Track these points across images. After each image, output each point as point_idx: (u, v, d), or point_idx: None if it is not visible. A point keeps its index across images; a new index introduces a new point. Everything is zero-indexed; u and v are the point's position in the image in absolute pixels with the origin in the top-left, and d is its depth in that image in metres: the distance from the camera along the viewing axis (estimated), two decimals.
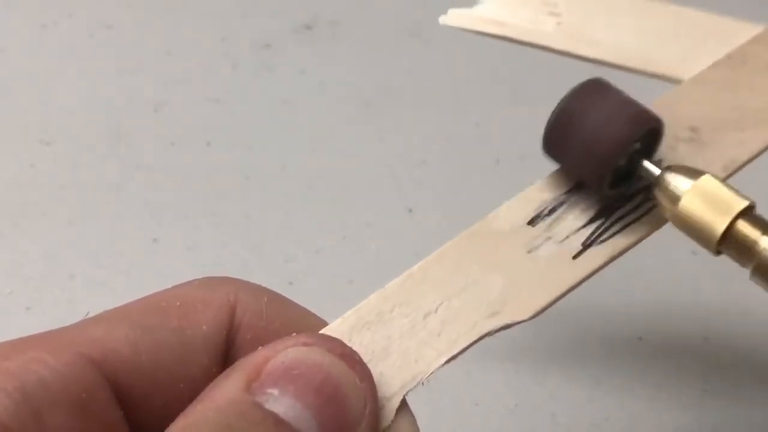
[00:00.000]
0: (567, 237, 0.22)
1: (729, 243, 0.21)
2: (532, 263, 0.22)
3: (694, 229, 0.21)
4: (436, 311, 0.21)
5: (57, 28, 0.52)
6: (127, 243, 0.41)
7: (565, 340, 0.38)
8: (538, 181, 0.24)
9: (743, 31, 0.27)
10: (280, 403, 0.17)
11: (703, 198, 0.21)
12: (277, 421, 0.17)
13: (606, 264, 0.22)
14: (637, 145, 0.22)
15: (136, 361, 0.19)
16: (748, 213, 0.21)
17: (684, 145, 0.24)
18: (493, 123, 0.47)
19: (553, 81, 0.48)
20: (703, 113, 0.25)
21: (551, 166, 0.24)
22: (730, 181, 0.24)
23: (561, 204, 0.23)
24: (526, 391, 0.36)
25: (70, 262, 0.40)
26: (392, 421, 0.19)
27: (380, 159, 0.45)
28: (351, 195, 0.43)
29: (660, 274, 0.40)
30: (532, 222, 0.23)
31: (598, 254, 0.22)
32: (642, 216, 0.23)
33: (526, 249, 0.22)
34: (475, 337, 0.21)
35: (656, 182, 0.22)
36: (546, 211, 0.23)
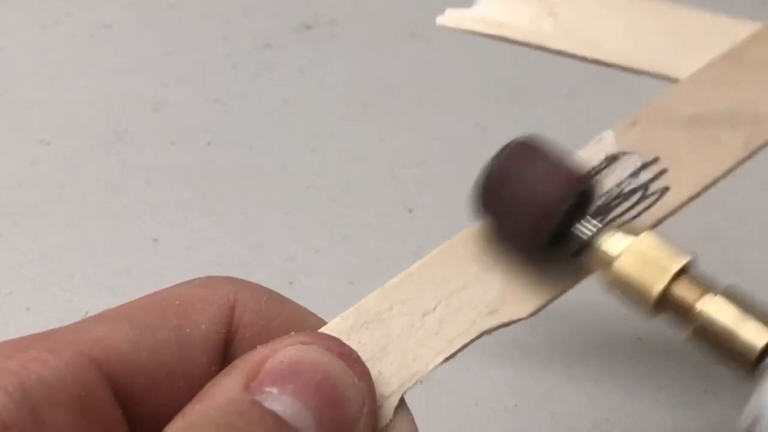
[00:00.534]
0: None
1: (666, 306, 0.20)
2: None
3: (629, 293, 0.20)
4: (434, 310, 0.21)
5: (57, 28, 0.52)
6: (127, 243, 0.41)
7: (565, 340, 0.38)
8: None
9: (740, 30, 0.27)
10: (279, 401, 0.17)
11: (638, 259, 0.20)
12: (276, 419, 0.17)
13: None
14: (569, 205, 0.21)
15: (135, 360, 0.19)
16: (686, 272, 0.20)
17: (678, 147, 0.24)
18: (493, 123, 0.47)
19: (553, 81, 0.48)
20: (700, 111, 0.25)
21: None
22: (730, 179, 0.24)
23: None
24: (526, 391, 0.36)
25: (70, 262, 0.40)
26: (390, 420, 0.19)
27: (380, 159, 0.45)
28: (351, 195, 0.43)
29: None
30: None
31: None
32: (639, 215, 0.23)
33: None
34: (473, 336, 0.21)
35: (588, 245, 0.21)
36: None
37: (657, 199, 0.23)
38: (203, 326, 0.20)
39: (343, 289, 0.39)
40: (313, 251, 0.41)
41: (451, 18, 0.29)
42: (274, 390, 0.17)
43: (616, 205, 0.23)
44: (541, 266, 0.22)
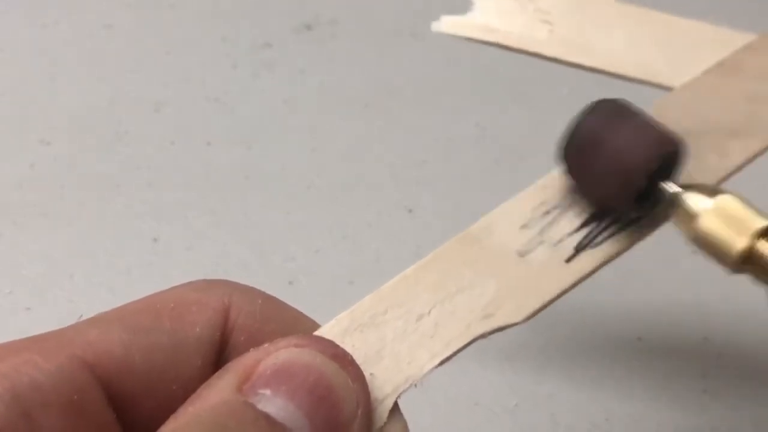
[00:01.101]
0: (560, 241, 0.22)
1: (749, 263, 0.21)
2: (525, 267, 0.22)
3: (713, 249, 0.21)
4: (429, 313, 0.21)
5: (57, 28, 0.52)
6: (127, 243, 0.41)
7: (565, 340, 0.38)
8: (531, 185, 0.24)
9: (735, 40, 0.27)
10: (272, 403, 0.17)
11: (722, 217, 0.21)
12: (269, 420, 0.17)
13: (599, 267, 0.22)
14: (657, 166, 0.22)
15: (129, 363, 0.19)
16: None
17: None
18: (493, 123, 0.47)
19: (553, 81, 0.48)
20: (694, 120, 0.25)
21: (550, 167, 0.24)
22: (727, 186, 0.24)
23: (554, 208, 0.23)
24: (526, 391, 0.36)
25: (70, 262, 0.40)
26: (385, 423, 0.19)
27: (380, 159, 0.45)
28: (351, 195, 0.43)
29: (660, 274, 0.40)
30: (525, 226, 0.23)
31: (591, 258, 0.22)
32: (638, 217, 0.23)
33: (519, 253, 0.22)
34: (468, 339, 0.21)
35: (674, 202, 0.22)
36: (539, 215, 0.23)
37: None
38: (197, 329, 0.20)
39: (343, 289, 0.39)
40: (313, 251, 0.41)
41: (446, 25, 0.29)
42: (267, 392, 0.17)
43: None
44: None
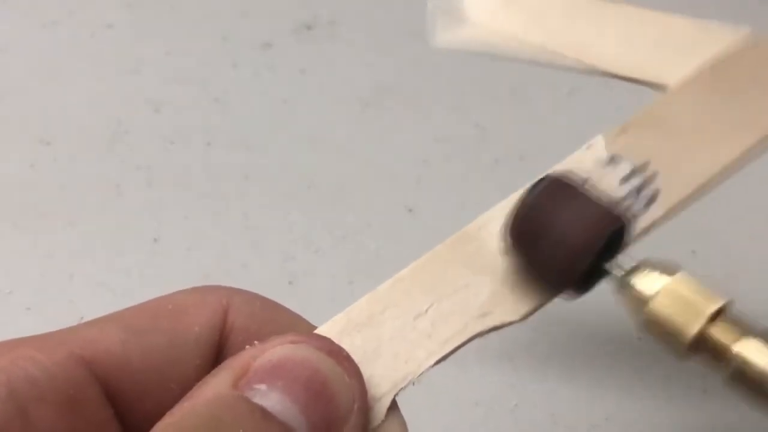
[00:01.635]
0: None
1: (702, 348, 0.20)
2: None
3: (663, 334, 0.20)
4: (426, 313, 0.21)
5: (57, 28, 0.52)
6: (127, 243, 0.41)
7: (565, 339, 0.38)
8: (527, 185, 0.24)
9: (728, 37, 0.27)
10: (267, 397, 0.17)
11: (674, 300, 0.20)
12: (264, 413, 0.17)
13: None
14: (603, 246, 0.21)
15: (127, 362, 0.19)
16: (722, 314, 0.20)
17: (668, 153, 0.24)
18: (493, 123, 0.47)
19: (553, 81, 0.48)
20: (690, 117, 0.25)
21: (548, 166, 0.23)
22: (721, 188, 0.24)
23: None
24: (526, 391, 0.36)
25: (70, 262, 0.40)
26: (382, 421, 0.19)
27: (380, 159, 0.45)
28: (351, 195, 0.43)
29: None
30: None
31: None
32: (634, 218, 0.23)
33: None
34: (465, 338, 0.21)
35: (621, 284, 0.21)
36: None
37: (649, 203, 0.23)
38: (196, 329, 0.20)
39: (343, 289, 0.39)
40: (313, 251, 0.41)
41: (444, 41, 0.29)
42: (263, 387, 0.17)
43: None
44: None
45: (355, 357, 0.19)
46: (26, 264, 0.40)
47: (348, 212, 0.42)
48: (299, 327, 0.21)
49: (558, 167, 0.24)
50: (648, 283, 0.21)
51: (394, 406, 0.20)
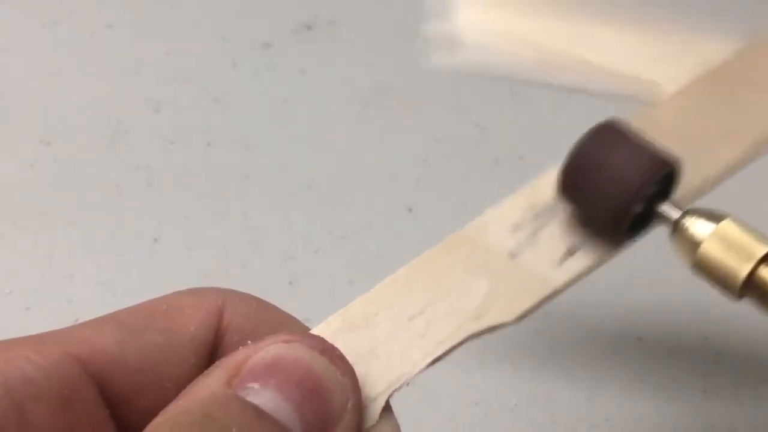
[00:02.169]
0: (551, 242, 0.23)
1: (751, 289, 0.21)
2: (517, 267, 0.22)
3: (715, 275, 0.21)
4: (421, 314, 0.21)
5: (57, 28, 0.52)
6: (127, 243, 0.41)
7: (565, 340, 0.38)
8: (523, 186, 0.24)
9: (720, 46, 0.27)
10: (260, 395, 0.17)
11: (724, 243, 0.21)
12: (257, 411, 0.17)
13: (590, 270, 0.22)
14: (654, 188, 0.22)
15: (122, 361, 0.19)
16: None
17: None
18: (493, 123, 0.47)
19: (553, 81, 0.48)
20: (684, 128, 0.25)
21: (548, 166, 0.24)
22: (718, 192, 0.24)
23: (545, 210, 0.23)
24: (526, 391, 0.36)
25: (70, 262, 0.40)
26: (376, 422, 0.19)
27: (380, 159, 0.45)
28: (351, 195, 0.43)
29: (660, 274, 0.40)
30: (517, 227, 0.23)
31: (582, 260, 0.22)
32: None
33: (510, 254, 0.22)
34: (459, 339, 0.21)
35: (675, 227, 0.22)
36: (530, 217, 0.23)
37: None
38: (191, 328, 0.20)
39: (343, 289, 0.39)
40: (313, 251, 0.41)
41: (441, 62, 0.29)
42: (256, 385, 0.17)
43: None
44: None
45: (350, 357, 0.19)
46: (26, 264, 0.40)
47: (348, 212, 0.42)
48: (294, 328, 0.21)
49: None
50: (699, 226, 0.21)
51: (387, 408, 0.20)
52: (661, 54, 0.28)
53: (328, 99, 0.48)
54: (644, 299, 0.39)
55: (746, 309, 0.39)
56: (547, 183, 0.23)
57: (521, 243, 0.22)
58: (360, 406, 0.19)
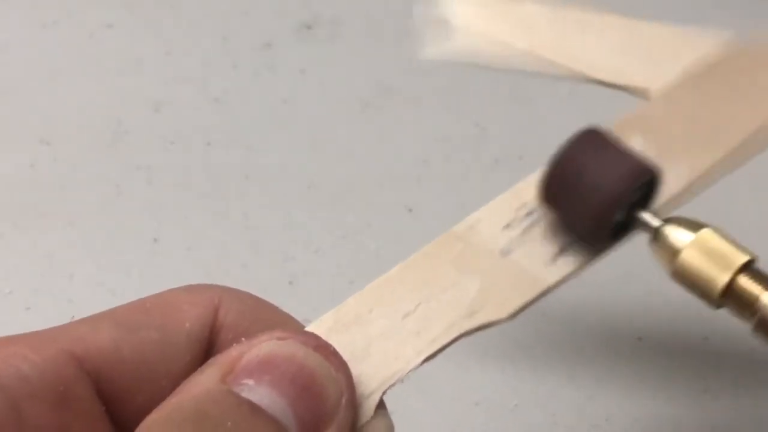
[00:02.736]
0: (543, 240, 0.23)
1: (730, 298, 0.21)
2: (509, 265, 0.22)
3: (693, 284, 0.22)
4: (414, 311, 0.21)
5: (57, 28, 0.52)
6: (127, 243, 0.41)
7: (565, 340, 0.38)
8: (516, 184, 0.24)
9: (710, 42, 0.27)
10: (255, 392, 0.17)
11: (704, 252, 0.21)
12: (252, 407, 0.17)
13: (582, 268, 0.23)
14: (635, 196, 0.22)
15: (118, 357, 0.19)
16: (749, 268, 0.21)
17: (653, 157, 0.24)
18: (493, 123, 0.47)
19: (553, 82, 0.48)
20: (672, 125, 0.25)
21: (543, 167, 0.24)
22: (710, 193, 0.24)
23: (537, 208, 0.23)
24: (526, 391, 0.36)
25: (70, 262, 0.40)
26: (371, 419, 0.20)
27: (380, 159, 0.45)
28: (351, 195, 0.43)
29: (660, 274, 0.40)
30: (508, 226, 0.23)
31: (574, 258, 0.22)
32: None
33: (502, 252, 0.22)
34: (453, 336, 0.21)
35: (655, 235, 0.22)
36: (522, 215, 0.23)
37: (652, 190, 0.23)
38: (187, 325, 0.20)
39: (343, 289, 0.39)
40: (313, 251, 0.41)
41: (432, 53, 0.29)
42: (250, 382, 0.17)
43: None
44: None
45: (344, 355, 0.19)
46: (26, 264, 0.40)
47: (348, 212, 0.42)
48: (289, 325, 0.21)
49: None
50: (679, 234, 0.22)
51: (381, 406, 0.20)
52: (649, 55, 0.28)
53: (329, 99, 0.48)
54: (644, 299, 0.39)
55: None
56: (536, 182, 0.23)
57: (513, 240, 0.23)
58: (354, 402, 0.19)
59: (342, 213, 0.42)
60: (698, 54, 0.27)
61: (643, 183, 0.22)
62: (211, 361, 0.19)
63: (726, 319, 0.38)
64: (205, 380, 0.18)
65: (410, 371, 0.20)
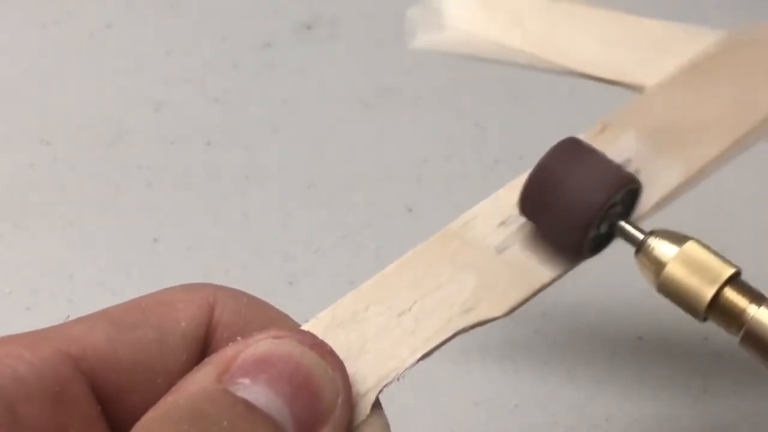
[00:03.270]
0: (537, 238, 0.23)
1: (716, 311, 0.21)
2: (504, 263, 0.22)
3: (679, 297, 0.21)
4: (410, 309, 0.21)
5: (57, 28, 0.52)
6: (127, 243, 0.41)
7: (566, 340, 0.38)
8: (510, 183, 0.24)
9: (703, 38, 0.27)
10: (251, 390, 0.17)
11: (689, 265, 0.21)
12: (248, 406, 0.17)
13: (577, 264, 0.22)
14: (617, 208, 0.22)
15: (114, 357, 0.19)
16: (734, 280, 0.21)
17: (648, 151, 0.24)
18: (493, 123, 0.47)
19: (553, 81, 0.48)
20: (666, 119, 0.25)
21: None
22: (699, 188, 0.24)
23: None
24: (526, 391, 0.36)
25: (70, 262, 0.40)
26: (367, 417, 0.20)
27: (380, 159, 0.45)
28: (351, 195, 0.43)
29: None
30: (503, 223, 0.23)
31: (570, 254, 0.22)
32: (619, 215, 0.23)
33: (497, 249, 0.22)
34: (449, 334, 0.21)
35: (639, 248, 0.22)
36: (517, 213, 0.23)
37: (634, 200, 0.23)
38: (183, 324, 0.20)
39: (343, 289, 0.39)
40: (313, 251, 0.41)
41: (422, 42, 0.29)
42: (246, 381, 0.17)
43: None
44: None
45: (340, 353, 0.19)
46: (26, 264, 0.40)
47: (348, 212, 0.42)
48: (285, 324, 0.21)
49: None
50: (665, 247, 0.21)
51: (377, 404, 0.20)
52: (643, 51, 0.28)
53: (329, 99, 0.48)
54: (644, 299, 0.39)
55: None
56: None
57: (508, 238, 0.23)
58: (350, 400, 0.19)
59: (342, 213, 0.42)
60: (693, 50, 0.27)
61: (623, 193, 0.22)
62: (207, 360, 0.19)
63: None
64: (201, 379, 0.18)
65: (406, 369, 0.20)
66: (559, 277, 0.22)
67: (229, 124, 0.47)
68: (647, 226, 0.23)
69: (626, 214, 0.22)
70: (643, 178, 0.23)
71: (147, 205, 0.43)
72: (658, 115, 0.25)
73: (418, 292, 0.21)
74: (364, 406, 0.20)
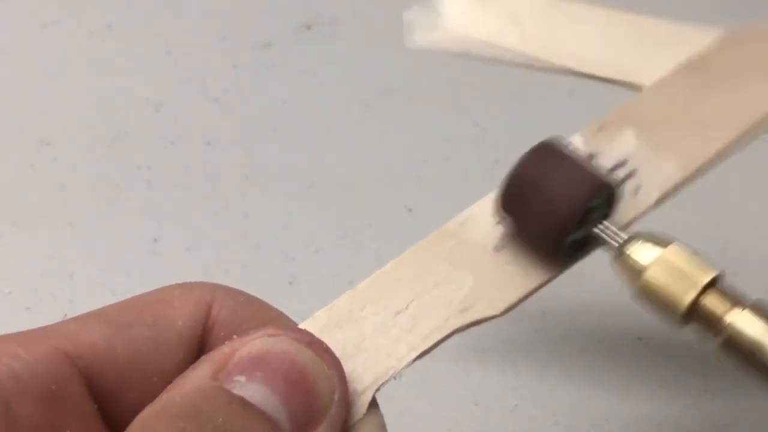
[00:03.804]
0: None
1: (694, 318, 0.20)
2: (501, 261, 0.22)
3: (658, 302, 0.21)
4: (407, 308, 0.21)
5: (57, 28, 0.52)
6: (127, 243, 0.41)
7: (565, 340, 0.38)
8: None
9: (701, 37, 0.27)
10: (247, 388, 0.17)
11: (668, 270, 0.20)
12: (244, 403, 0.17)
13: (575, 262, 0.22)
14: (596, 211, 0.22)
15: (110, 355, 0.19)
16: (714, 285, 0.20)
17: (645, 150, 0.24)
18: (493, 123, 0.47)
19: (553, 81, 0.48)
20: (664, 117, 0.25)
21: None
22: (694, 186, 0.24)
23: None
24: (526, 391, 0.36)
25: (70, 262, 0.40)
26: (364, 415, 0.20)
27: (380, 159, 0.45)
28: (351, 195, 0.43)
29: None
30: (501, 221, 0.23)
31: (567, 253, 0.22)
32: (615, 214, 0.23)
33: (495, 248, 0.22)
34: (446, 333, 0.21)
35: (618, 253, 0.21)
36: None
37: (630, 198, 0.23)
38: (179, 322, 0.20)
39: (343, 289, 0.39)
40: (313, 251, 0.41)
41: (421, 39, 0.29)
42: (242, 378, 0.18)
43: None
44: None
45: (337, 352, 0.19)
46: (26, 264, 0.40)
47: (348, 212, 0.42)
48: (281, 323, 0.21)
49: None
50: (643, 253, 0.21)
51: (374, 403, 0.20)
52: (641, 49, 0.28)
53: (329, 99, 0.48)
54: None
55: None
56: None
57: (505, 237, 0.23)
58: (347, 398, 0.19)
59: (342, 213, 0.42)
60: (692, 49, 0.27)
61: (600, 198, 0.22)
62: (203, 358, 0.19)
63: None
64: (197, 377, 0.18)
65: (403, 368, 0.20)
66: (556, 276, 0.22)
67: (229, 124, 0.47)
68: (646, 223, 0.23)
69: (605, 217, 0.22)
70: (640, 176, 0.23)
71: (147, 205, 0.43)
72: (656, 114, 0.25)
73: (415, 291, 0.22)
74: (361, 405, 0.20)
